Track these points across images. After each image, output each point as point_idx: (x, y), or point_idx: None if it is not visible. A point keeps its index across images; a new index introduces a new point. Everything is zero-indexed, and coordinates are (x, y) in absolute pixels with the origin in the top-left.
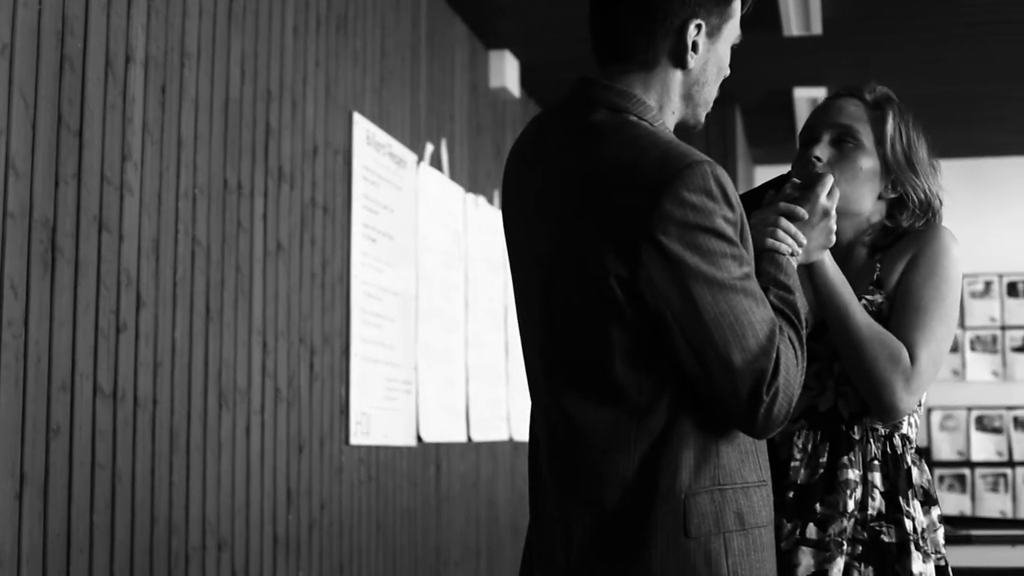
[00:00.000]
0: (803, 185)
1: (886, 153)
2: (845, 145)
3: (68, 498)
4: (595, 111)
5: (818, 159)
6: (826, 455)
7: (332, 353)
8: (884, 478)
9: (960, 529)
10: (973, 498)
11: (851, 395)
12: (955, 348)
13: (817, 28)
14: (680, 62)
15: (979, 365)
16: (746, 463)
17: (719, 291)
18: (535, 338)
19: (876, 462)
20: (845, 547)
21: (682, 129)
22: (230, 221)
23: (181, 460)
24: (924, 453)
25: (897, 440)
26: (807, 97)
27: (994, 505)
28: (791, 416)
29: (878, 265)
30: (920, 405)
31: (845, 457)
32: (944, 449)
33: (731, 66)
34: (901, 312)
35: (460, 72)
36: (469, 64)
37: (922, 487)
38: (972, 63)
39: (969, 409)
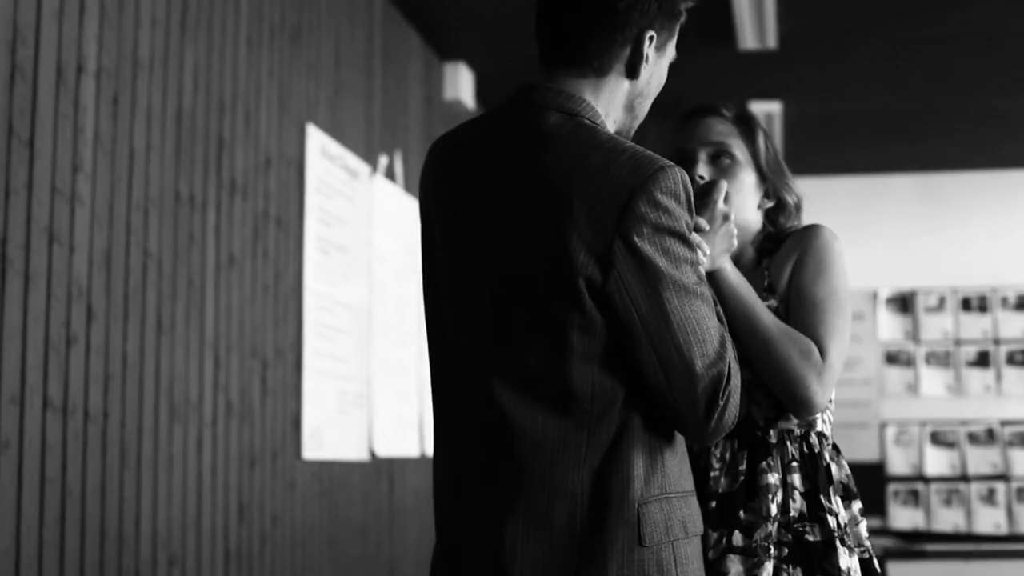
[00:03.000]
0: (697, 195)
1: (761, 164)
2: (723, 162)
3: (17, 513)
4: (545, 114)
5: (701, 178)
6: (745, 462)
7: (285, 366)
8: (804, 478)
9: (914, 544)
10: (927, 513)
11: (763, 401)
12: (909, 362)
13: (772, 42)
14: (632, 72)
15: (933, 380)
16: (683, 471)
17: (684, 296)
18: (470, 339)
19: (795, 463)
20: (772, 551)
21: None
22: (182, 233)
23: (132, 474)
24: (877, 468)
25: (813, 439)
26: (762, 111)
27: (948, 519)
28: None
29: (766, 272)
30: (831, 401)
31: (764, 462)
32: (898, 464)
33: (687, 79)
34: (799, 312)
35: (414, 84)
36: (424, 76)
37: (841, 482)
38: (926, 78)
39: (923, 424)
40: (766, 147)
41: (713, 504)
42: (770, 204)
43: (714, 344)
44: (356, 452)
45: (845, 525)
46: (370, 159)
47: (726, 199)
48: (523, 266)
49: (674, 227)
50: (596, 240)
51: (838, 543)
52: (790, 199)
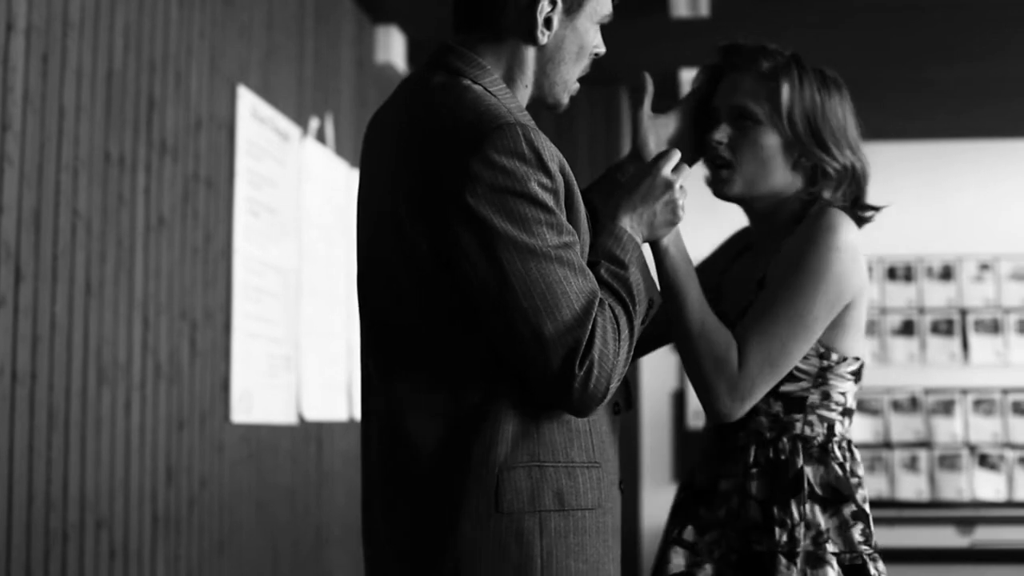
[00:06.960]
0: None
1: (785, 128)
2: (744, 123)
3: None
4: (435, 74)
5: (719, 143)
6: (716, 461)
7: (214, 329)
8: (764, 486)
9: None
10: None
11: None
12: None
13: (704, 10)
14: (529, 37)
15: None
16: (575, 442)
17: (530, 258)
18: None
19: (754, 470)
20: (715, 554)
21: (543, 108)
22: (112, 194)
23: (60, 437)
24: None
25: (784, 444)
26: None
27: (871, 486)
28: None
29: (771, 260)
30: (844, 394)
31: (724, 466)
32: None
33: (618, 47)
34: (755, 304)
35: (346, 47)
36: (355, 39)
37: (830, 484)
38: (859, 48)
39: None
40: (797, 108)
41: (683, 495)
42: (808, 164)
43: (572, 309)
44: (284, 415)
45: (825, 533)
46: (301, 122)
47: (676, 168)
48: (386, 230)
49: (515, 187)
50: (434, 203)
51: (781, 557)
52: (829, 168)
